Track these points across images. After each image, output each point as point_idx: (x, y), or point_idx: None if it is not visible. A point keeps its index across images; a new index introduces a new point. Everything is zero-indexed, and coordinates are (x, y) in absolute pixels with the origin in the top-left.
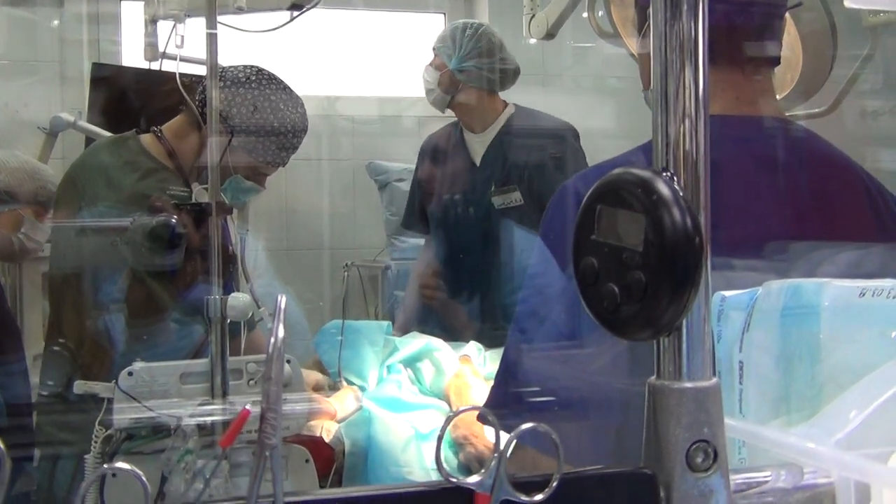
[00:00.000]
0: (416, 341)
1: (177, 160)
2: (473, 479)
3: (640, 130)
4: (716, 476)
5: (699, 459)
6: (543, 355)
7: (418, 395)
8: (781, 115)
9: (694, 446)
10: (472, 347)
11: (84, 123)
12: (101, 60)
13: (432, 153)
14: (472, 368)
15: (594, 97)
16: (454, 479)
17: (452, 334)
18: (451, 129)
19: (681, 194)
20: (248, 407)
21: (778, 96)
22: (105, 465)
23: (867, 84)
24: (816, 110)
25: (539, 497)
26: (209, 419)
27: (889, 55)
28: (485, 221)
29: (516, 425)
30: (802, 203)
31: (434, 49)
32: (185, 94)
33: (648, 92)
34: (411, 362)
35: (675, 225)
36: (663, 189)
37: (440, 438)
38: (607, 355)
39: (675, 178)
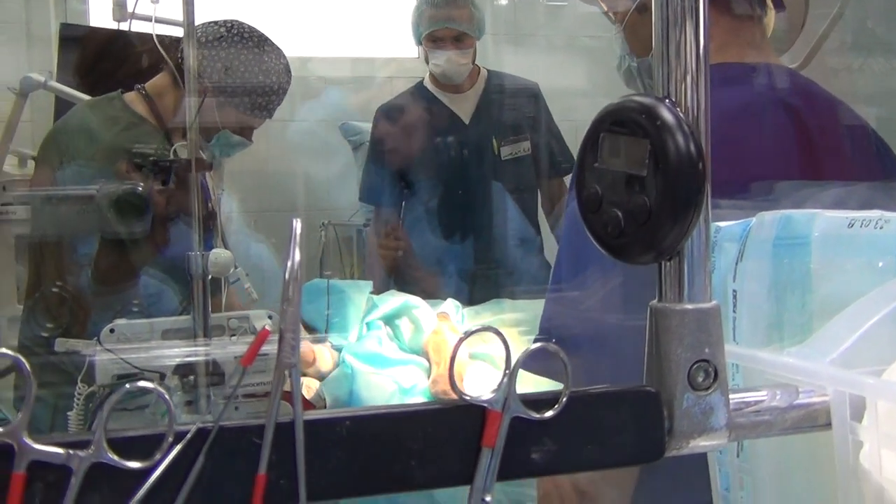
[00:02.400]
0: (395, 299)
1: (159, 117)
2: (486, 396)
3: (612, 90)
4: (716, 394)
5: (700, 378)
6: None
7: (398, 351)
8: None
9: (695, 366)
10: (450, 304)
11: (55, 84)
12: (68, 20)
13: (404, 119)
14: (451, 325)
15: (567, 56)
16: (467, 397)
17: (435, 291)
18: (414, 94)
19: (684, 120)
20: (267, 327)
21: None
22: (127, 385)
23: (835, 42)
24: (791, 66)
25: (549, 413)
26: (194, 359)
27: (857, 15)
28: (489, 173)
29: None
30: (822, 143)
31: (464, 31)
32: (163, 52)
33: (646, 59)
34: (390, 319)
35: (679, 149)
36: (667, 115)
37: (452, 359)
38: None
39: (677, 106)
